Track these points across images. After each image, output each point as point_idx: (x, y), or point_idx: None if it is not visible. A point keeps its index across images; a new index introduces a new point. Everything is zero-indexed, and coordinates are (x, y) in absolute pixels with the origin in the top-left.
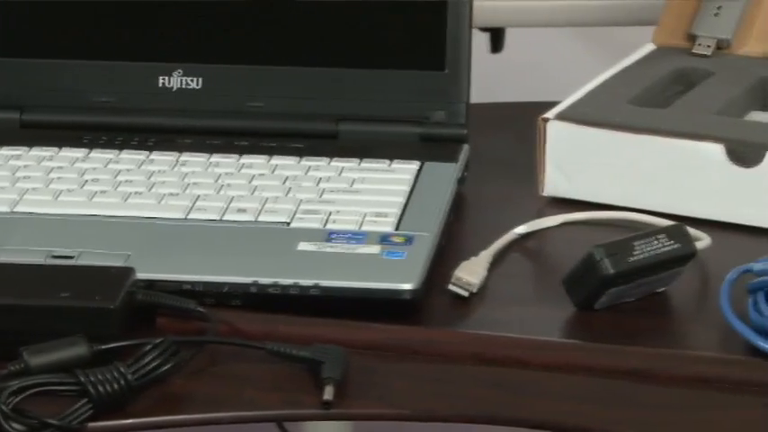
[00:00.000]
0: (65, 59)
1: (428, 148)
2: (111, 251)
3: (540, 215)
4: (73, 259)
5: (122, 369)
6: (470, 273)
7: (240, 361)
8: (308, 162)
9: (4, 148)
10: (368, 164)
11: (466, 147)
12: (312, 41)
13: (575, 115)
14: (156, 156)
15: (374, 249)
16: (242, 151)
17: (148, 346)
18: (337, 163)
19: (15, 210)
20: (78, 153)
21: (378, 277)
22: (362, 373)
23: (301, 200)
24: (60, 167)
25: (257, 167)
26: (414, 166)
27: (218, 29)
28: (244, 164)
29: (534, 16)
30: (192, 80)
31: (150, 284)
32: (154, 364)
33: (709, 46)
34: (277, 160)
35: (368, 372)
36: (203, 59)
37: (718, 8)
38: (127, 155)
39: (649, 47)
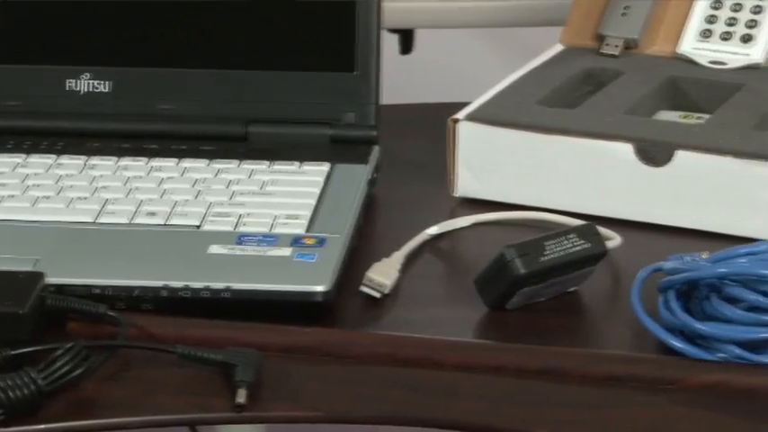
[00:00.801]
0: None
1: (339, 149)
2: (20, 256)
3: (451, 216)
4: None
5: (33, 374)
6: (382, 274)
7: (152, 365)
8: (218, 165)
9: None
10: (278, 166)
11: (376, 148)
12: (221, 44)
13: (485, 116)
14: (64, 159)
15: (286, 252)
16: (151, 154)
17: (59, 351)
18: (247, 165)
19: None
20: None
21: (289, 279)
22: (276, 375)
23: (212, 203)
24: None
25: (167, 170)
26: (324, 167)
27: (127, 32)
28: (153, 167)
29: (444, 17)
30: (100, 83)
31: (60, 289)
32: (65, 369)
33: (617, 46)
34: (187, 163)
35: (281, 374)
36: (112, 62)
37: (626, 8)
38: (35, 159)
39: (558, 47)
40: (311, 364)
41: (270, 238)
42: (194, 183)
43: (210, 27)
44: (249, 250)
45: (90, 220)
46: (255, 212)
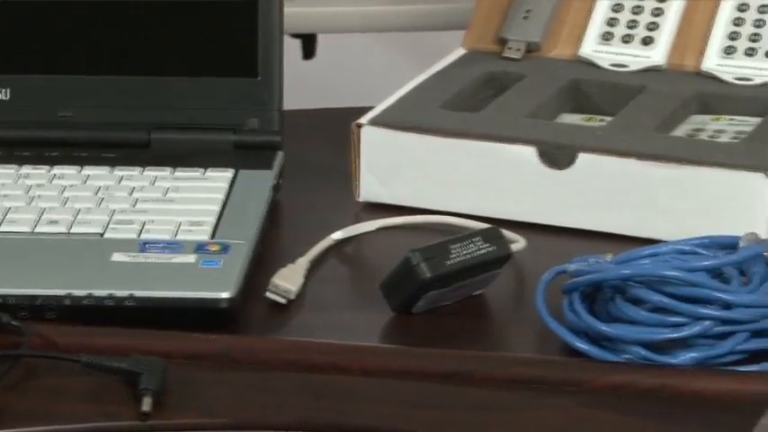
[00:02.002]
0: None
1: (242, 155)
2: None
3: (356, 220)
4: None
5: None
6: (288, 280)
7: (56, 374)
8: (120, 172)
9: None
10: (181, 172)
11: (280, 154)
12: (123, 50)
13: (388, 120)
14: None
15: (190, 258)
16: (53, 162)
17: None
18: (150, 172)
19: None
20: None
21: (194, 286)
22: (182, 383)
23: (114, 210)
24: None
25: (68, 178)
26: (228, 174)
27: (25, 38)
28: (55, 175)
29: (345, 22)
30: None
31: None
32: None
33: (519, 49)
34: (89, 170)
35: (187, 382)
36: (10, 70)
37: (528, 11)
38: None
39: (460, 51)
40: (217, 372)
41: (174, 245)
42: (97, 190)
43: (111, 33)
44: (153, 257)
45: None
46: (159, 219)
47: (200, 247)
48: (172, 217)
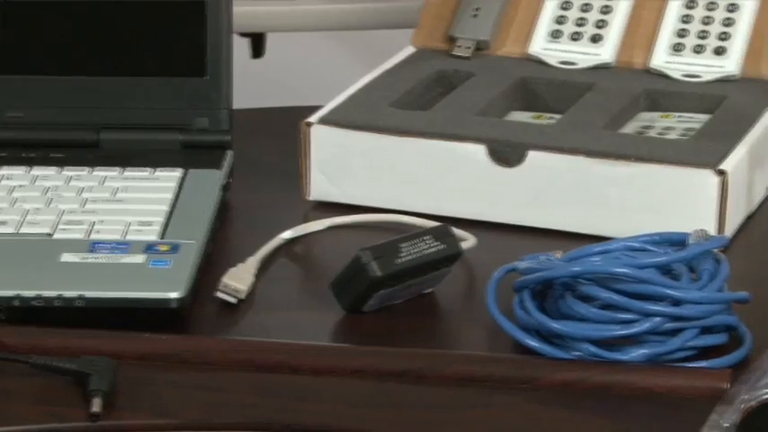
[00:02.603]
0: None
1: (192, 155)
2: None
3: (306, 220)
4: None
5: None
6: (238, 279)
7: (5, 376)
8: (69, 172)
9: None
10: (130, 172)
11: (230, 153)
12: (71, 50)
13: (337, 119)
14: None
15: (139, 259)
16: (1, 163)
17: None
18: (99, 172)
19: None
20: None
21: (144, 287)
22: (132, 384)
23: (63, 210)
24: None
25: (17, 179)
26: (177, 173)
27: None
28: (3, 175)
29: (294, 21)
30: None
31: None
32: None
33: (468, 47)
34: (37, 171)
35: (137, 382)
36: None
37: (476, 9)
38: None
39: (410, 49)
40: (168, 372)
41: (123, 246)
42: (45, 191)
43: (59, 33)
44: (102, 258)
45: None
46: (108, 220)
47: (149, 248)
48: (121, 217)
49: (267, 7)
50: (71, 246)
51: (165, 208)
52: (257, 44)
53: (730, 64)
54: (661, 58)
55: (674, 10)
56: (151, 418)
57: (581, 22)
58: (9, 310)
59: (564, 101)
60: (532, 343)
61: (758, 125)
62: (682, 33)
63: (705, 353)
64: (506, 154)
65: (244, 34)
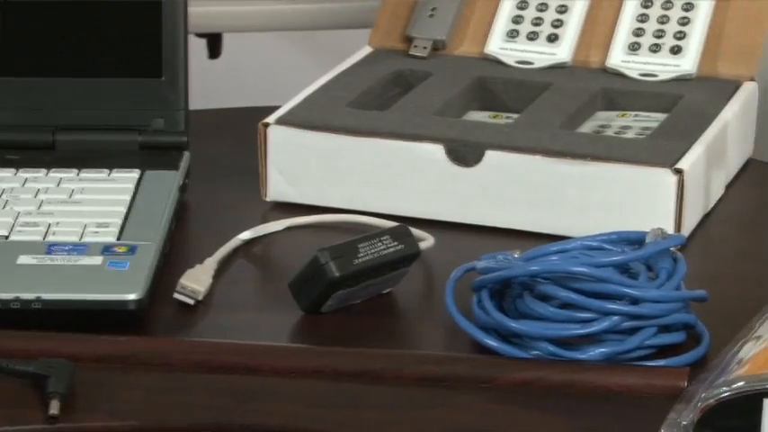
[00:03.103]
0: None
1: (148, 156)
2: None
3: (264, 220)
4: None
5: None
6: (195, 280)
7: None
8: (25, 174)
9: None
10: (87, 174)
11: (187, 154)
12: (27, 51)
13: (295, 119)
14: None
15: (97, 260)
16: None
17: None
18: (56, 174)
19: None
20: None
21: (101, 288)
22: (90, 385)
23: (19, 212)
24: None
25: None
26: (134, 174)
27: None
28: None
29: (251, 21)
30: None
31: None
32: None
33: (425, 47)
34: None
35: (96, 384)
36: None
37: (433, 9)
38: None
39: (367, 49)
40: (126, 374)
41: (80, 247)
42: (1, 192)
43: (14, 34)
44: (59, 260)
45: None
46: (65, 221)
47: (107, 249)
48: (78, 219)
49: (223, 8)
50: (28, 248)
51: (122, 209)
52: (214, 45)
53: (686, 63)
54: (618, 58)
55: (630, 9)
56: (109, 420)
57: (537, 22)
58: None
59: (521, 100)
60: (491, 342)
61: (715, 124)
62: (638, 33)
63: (663, 352)
64: (464, 153)
65: (200, 35)
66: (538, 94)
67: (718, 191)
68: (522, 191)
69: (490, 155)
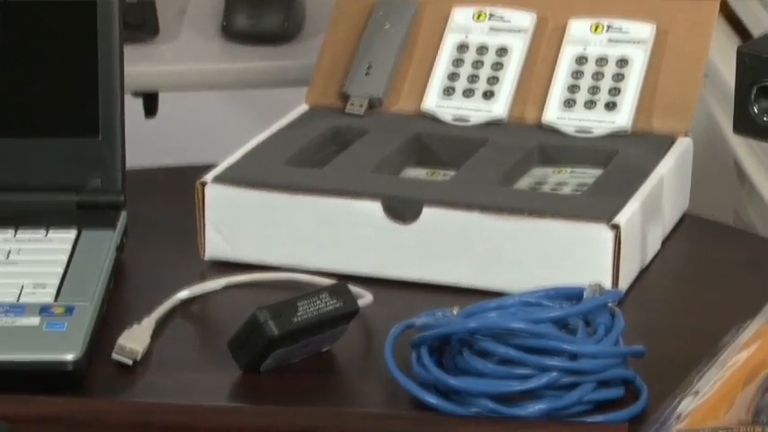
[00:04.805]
0: None
1: (86, 215)
2: None
3: (202, 279)
4: None
5: None
6: (134, 340)
7: None
8: None
9: None
10: (24, 234)
11: (124, 213)
12: None
13: (232, 177)
14: None
15: (34, 321)
16: None
17: None
18: None
19: None
20: None
21: (39, 349)
22: None
23: None
24: None
25: None
26: (71, 234)
27: None
28: None
29: (187, 80)
30: None
31: None
32: None
33: (361, 105)
34: None
35: None
36: None
37: (369, 67)
38: None
39: (304, 107)
40: None
41: (17, 308)
42: None
43: None
44: None
45: None
46: (2, 282)
47: (44, 310)
48: (15, 279)
49: (160, 67)
50: None
51: (60, 269)
52: (150, 104)
53: (621, 118)
54: (553, 114)
55: (564, 66)
56: None
57: (473, 79)
58: None
59: (458, 156)
60: (431, 399)
61: (650, 179)
62: (573, 89)
63: (602, 407)
64: (402, 210)
65: (137, 94)
66: (474, 151)
67: (654, 245)
68: (460, 247)
69: (428, 211)
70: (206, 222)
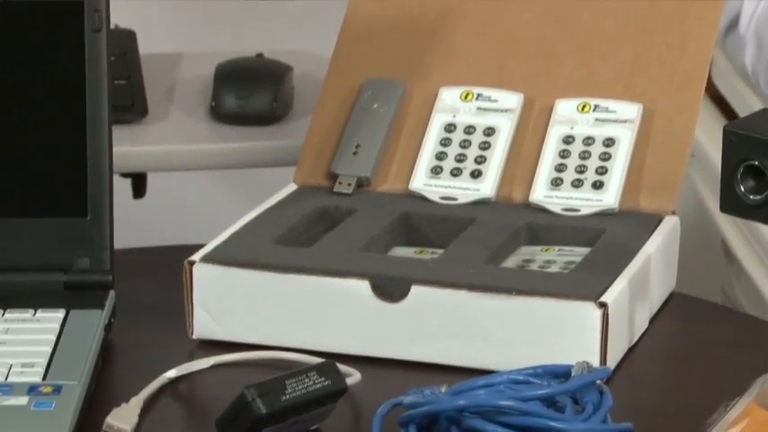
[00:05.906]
0: None
1: (74, 295)
2: None
3: (190, 358)
4: None
5: None
6: (122, 419)
7: None
8: None
9: None
10: (12, 314)
11: (112, 293)
12: None
13: (220, 257)
14: None
15: (22, 401)
16: None
17: None
18: None
19: None
20: None
21: (27, 429)
22: None
23: None
24: None
25: None
26: (59, 314)
27: None
28: None
29: (175, 161)
30: None
31: None
32: None
33: (349, 184)
34: None
35: None
36: None
37: (357, 147)
38: None
39: (292, 187)
40: None
41: (5, 388)
42: None
43: None
44: None
45: None
46: None
47: (32, 389)
48: (3, 359)
49: (148, 147)
50: None
51: (48, 349)
52: (139, 184)
53: (608, 197)
54: (540, 193)
55: (552, 145)
56: None
57: (461, 158)
58: None
59: (446, 236)
60: None
61: (638, 257)
62: (560, 168)
63: None
64: (390, 289)
65: (125, 174)
66: (462, 230)
67: (642, 324)
68: (448, 325)
69: (416, 290)
70: (194, 301)
